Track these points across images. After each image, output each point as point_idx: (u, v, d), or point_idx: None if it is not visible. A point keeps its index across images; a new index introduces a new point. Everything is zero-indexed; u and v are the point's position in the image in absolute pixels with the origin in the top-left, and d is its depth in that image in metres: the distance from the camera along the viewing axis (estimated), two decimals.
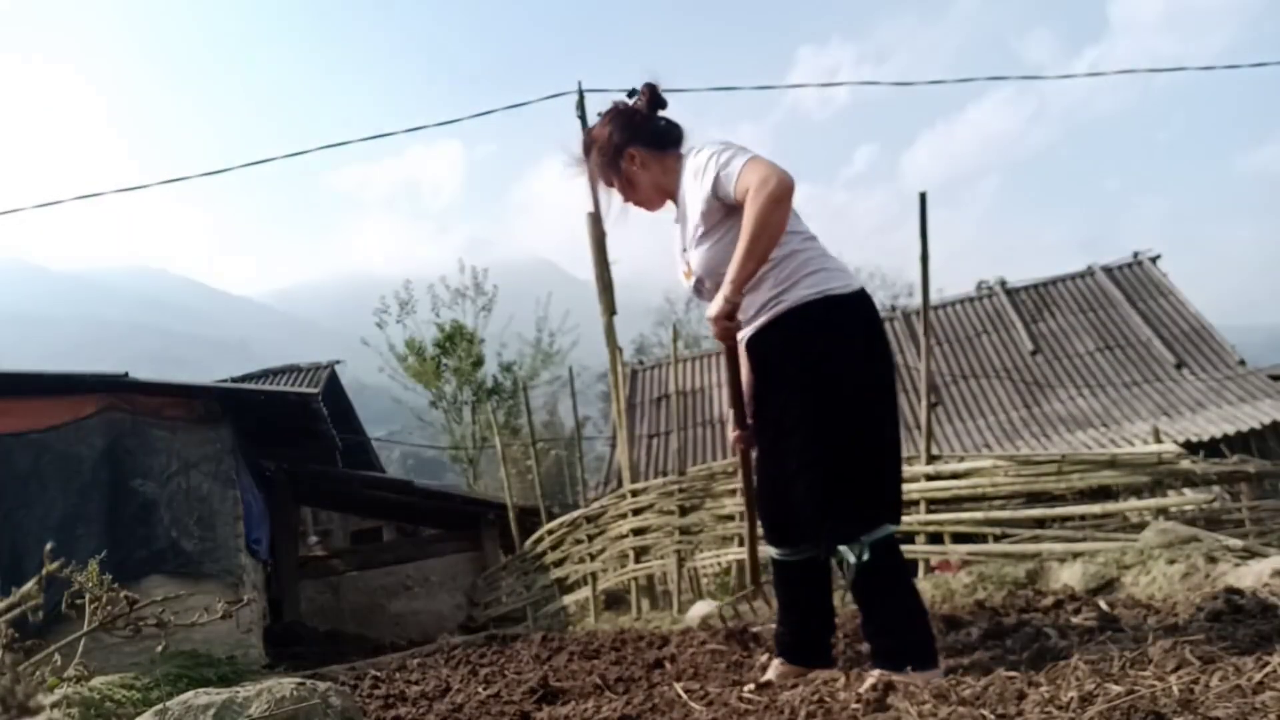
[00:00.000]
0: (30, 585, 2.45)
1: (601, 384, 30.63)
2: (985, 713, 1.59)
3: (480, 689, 2.92)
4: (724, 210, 2.30)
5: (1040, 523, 4.81)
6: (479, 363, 23.47)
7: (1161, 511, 4.62)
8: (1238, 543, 3.56)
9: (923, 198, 5.00)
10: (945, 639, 2.63)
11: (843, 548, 2.15)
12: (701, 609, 4.91)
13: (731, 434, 2.60)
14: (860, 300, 2.30)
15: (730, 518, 6.18)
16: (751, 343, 2.38)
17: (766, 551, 2.53)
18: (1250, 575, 2.87)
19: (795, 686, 2.05)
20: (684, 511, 6.64)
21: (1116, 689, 1.59)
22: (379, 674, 3.74)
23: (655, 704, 2.18)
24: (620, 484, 9.25)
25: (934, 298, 17.07)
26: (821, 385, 2.22)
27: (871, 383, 2.26)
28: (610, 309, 9.48)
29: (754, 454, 2.54)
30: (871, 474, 2.21)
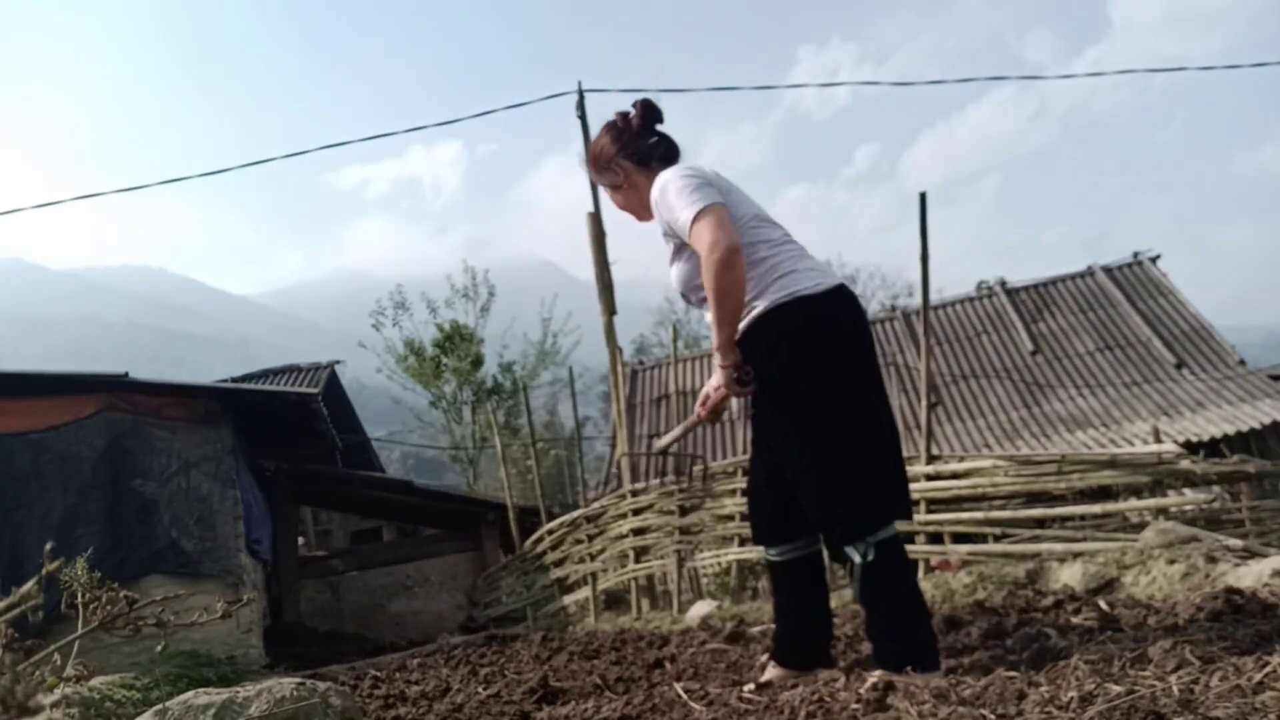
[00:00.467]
0: (30, 585, 2.45)
1: (602, 384, 30.65)
2: (985, 713, 1.59)
3: (480, 689, 2.92)
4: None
5: (1040, 523, 4.80)
6: (478, 363, 23.48)
7: (1161, 511, 4.61)
8: (1238, 543, 3.55)
9: (923, 198, 5.00)
10: (945, 639, 2.63)
11: (848, 548, 2.16)
12: (701, 609, 4.91)
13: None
14: (833, 296, 2.29)
15: (730, 518, 6.18)
16: None
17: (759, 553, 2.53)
18: (1250, 575, 2.87)
19: (795, 686, 2.06)
20: (684, 511, 6.64)
21: (1116, 689, 1.59)
22: (379, 674, 3.75)
23: (655, 704, 2.18)
24: (620, 484, 9.25)
25: (934, 298, 17.09)
26: (807, 387, 2.23)
27: (856, 376, 2.27)
28: (610, 309, 9.47)
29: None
30: (872, 468, 2.21)
